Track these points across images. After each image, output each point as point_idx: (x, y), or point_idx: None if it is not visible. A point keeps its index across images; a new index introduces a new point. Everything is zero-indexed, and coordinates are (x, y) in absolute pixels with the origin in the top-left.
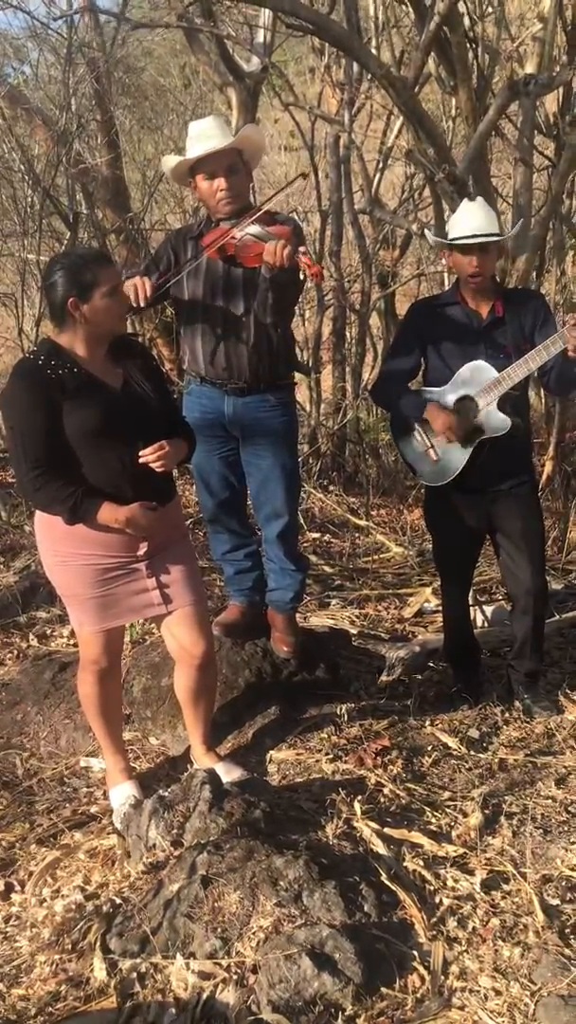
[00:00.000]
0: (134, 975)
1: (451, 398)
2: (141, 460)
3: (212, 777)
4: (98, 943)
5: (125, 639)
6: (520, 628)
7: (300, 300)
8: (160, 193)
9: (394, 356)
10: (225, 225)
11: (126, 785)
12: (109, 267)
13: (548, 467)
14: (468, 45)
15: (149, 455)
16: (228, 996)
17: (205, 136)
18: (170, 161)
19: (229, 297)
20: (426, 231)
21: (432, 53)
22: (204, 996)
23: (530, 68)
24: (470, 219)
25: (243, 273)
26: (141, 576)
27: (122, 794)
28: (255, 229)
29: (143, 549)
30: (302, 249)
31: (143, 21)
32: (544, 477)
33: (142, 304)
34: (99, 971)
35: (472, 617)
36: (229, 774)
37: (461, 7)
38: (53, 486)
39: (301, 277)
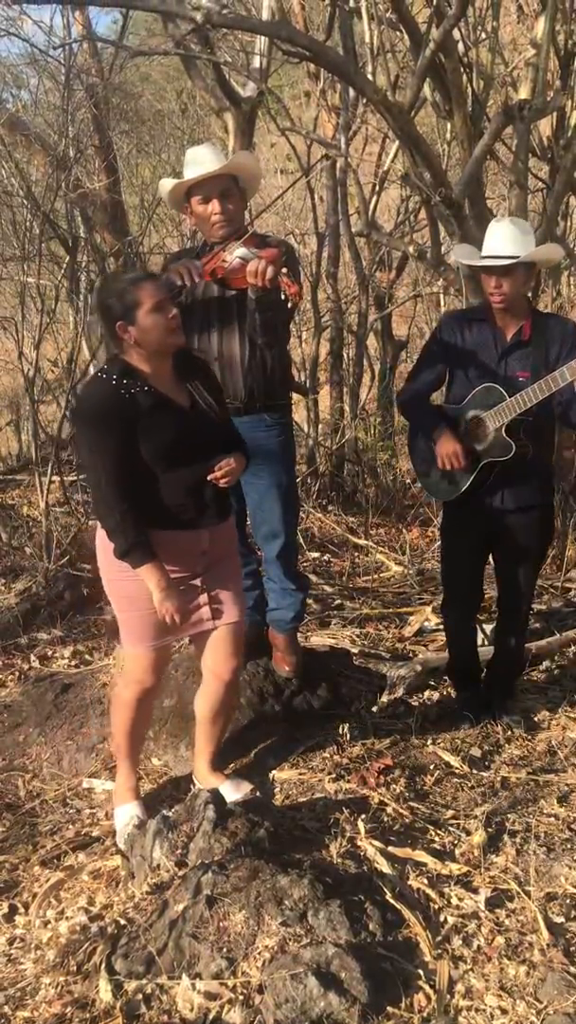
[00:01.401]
0: (139, 996)
1: (466, 416)
2: (211, 478)
3: (216, 797)
4: (103, 964)
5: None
6: (501, 643)
7: (298, 321)
8: (158, 217)
9: (420, 366)
10: (218, 248)
11: (131, 805)
12: (148, 284)
13: None
14: (463, 71)
15: (219, 473)
16: (234, 1016)
17: (200, 161)
18: (167, 184)
19: (224, 319)
20: (455, 248)
21: (427, 78)
22: (210, 1017)
23: (524, 93)
24: (493, 240)
25: (236, 296)
26: (197, 591)
27: (127, 814)
28: (243, 252)
29: (203, 564)
30: (284, 270)
31: (141, 48)
32: None
33: (196, 280)
34: (104, 993)
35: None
36: (238, 789)
37: (456, 34)
38: (130, 520)
39: (284, 298)
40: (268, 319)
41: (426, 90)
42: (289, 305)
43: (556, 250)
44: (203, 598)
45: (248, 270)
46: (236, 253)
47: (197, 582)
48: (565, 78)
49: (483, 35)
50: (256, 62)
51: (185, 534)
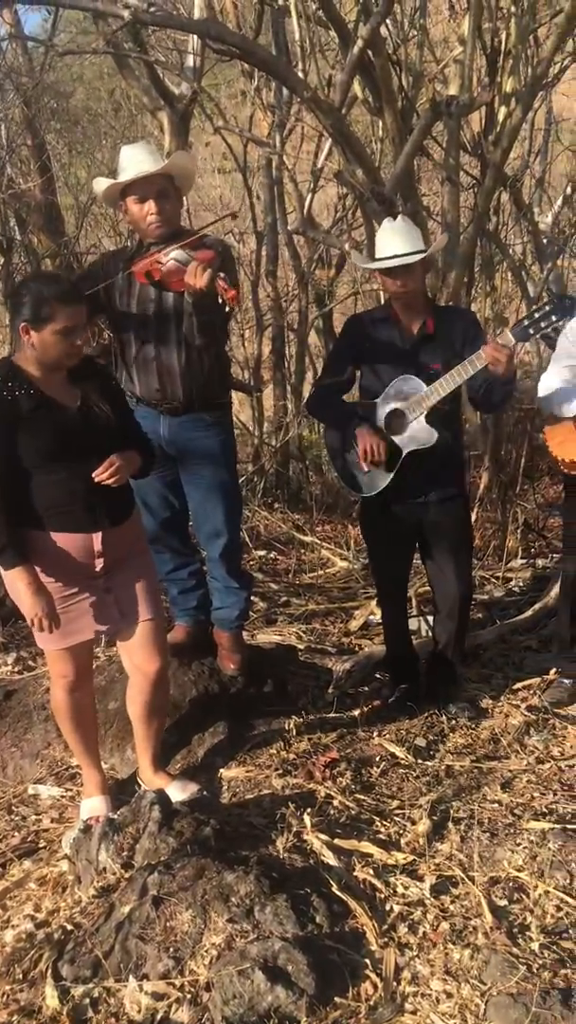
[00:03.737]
0: (87, 1001)
1: (382, 411)
2: (95, 477)
3: (161, 798)
4: (49, 971)
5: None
6: (443, 632)
7: (240, 320)
8: (94, 216)
9: (329, 369)
10: (154, 250)
11: (95, 799)
12: (70, 308)
13: (485, 478)
14: (392, 68)
15: (101, 473)
16: (182, 1015)
17: (136, 161)
18: (101, 184)
19: (161, 320)
20: (353, 254)
21: (358, 76)
22: (158, 1017)
23: (453, 90)
24: (391, 240)
25: (174, 297)
26: (99, 591)
27: (87, 806)
28: (179, 254)
29: (100, 566)
30: (220, 275)
31: (70, 47)
32: (481, 488)
33: None
34: (51, 999)
35: (417, 627)
36: (185, 790)
37: (384, 31)
38: (2, 520)
39: (220, 302)
40: (205, 322)
41: (358, 88)
42: (227, 309)
43: (444, 239)
44: (108, 598)
45: (187, 273)
46: (172, 255)
47: (98, 583)
48: (492, 74)
49: (412, 32)
50: (190, 61)
51: (75, 536)
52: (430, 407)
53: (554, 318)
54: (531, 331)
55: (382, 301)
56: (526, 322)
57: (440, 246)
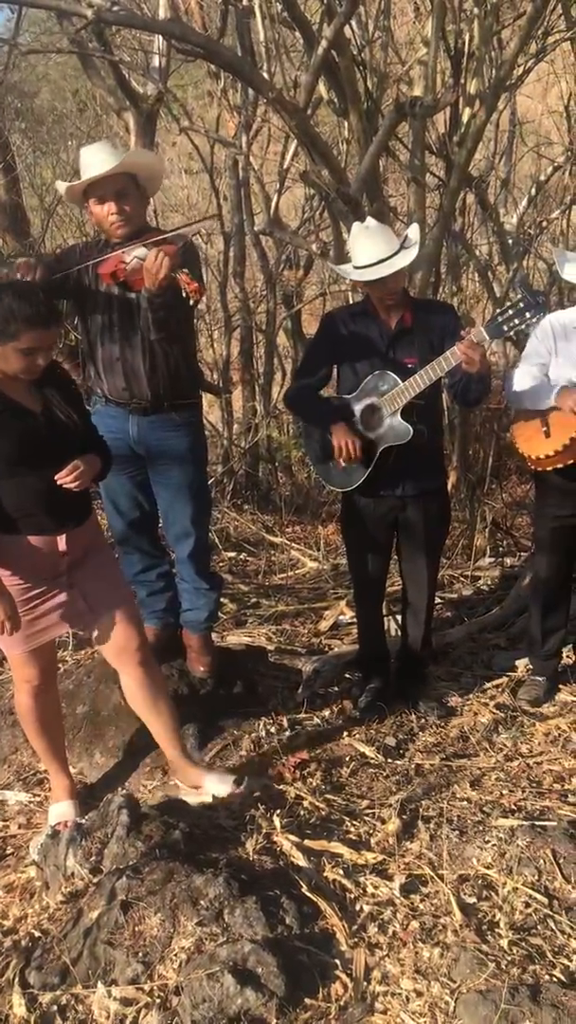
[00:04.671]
0: (55, 1008)
1: (358, 406)
2: (58, 480)
3: (129, 801)
4: (17, 978)
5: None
6: (414, 629)
7: (208, 321)
8: (59, 217)
9: (306, 364)
10: (118, 249)
11: (64, 803)
12: (36, 331)
13: (453, 477)
14: (356, 69)
15: (64, 476)
16: (151, 1020)
17: (96, 161)
18: (62, 186)
19: (126, 320)
20: (338, 268)
21: (322, 77)
22: (127, 1022)
23: (418, 91)
24: (372, 245)
25: (138, 297)
26: (64, 589)
27: (55, 811)
28: (142, 252)
29: (64, 565)
30: (184, 269)
31: (34, 47)
32: (449, 487)
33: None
34: (18, 1007)
35: (387, 627)
36: (223, 782)
37: (349, 32)
38: None
39: (184, 296)
40: (161, 318)
41: (322, 89)
42: (191, 303)
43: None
44: (74, 593)
45: (145, 265)
46: (135, 254)
47: (62, 580)
48: (457, 76)
49: (377, 33)
50: (155, 61)
51: (40, 538)
52: (405, 403)
53: (527, 315)
54: (505, 328)
55: (350, 301)
56: (500, 319)
57: (414, 238)
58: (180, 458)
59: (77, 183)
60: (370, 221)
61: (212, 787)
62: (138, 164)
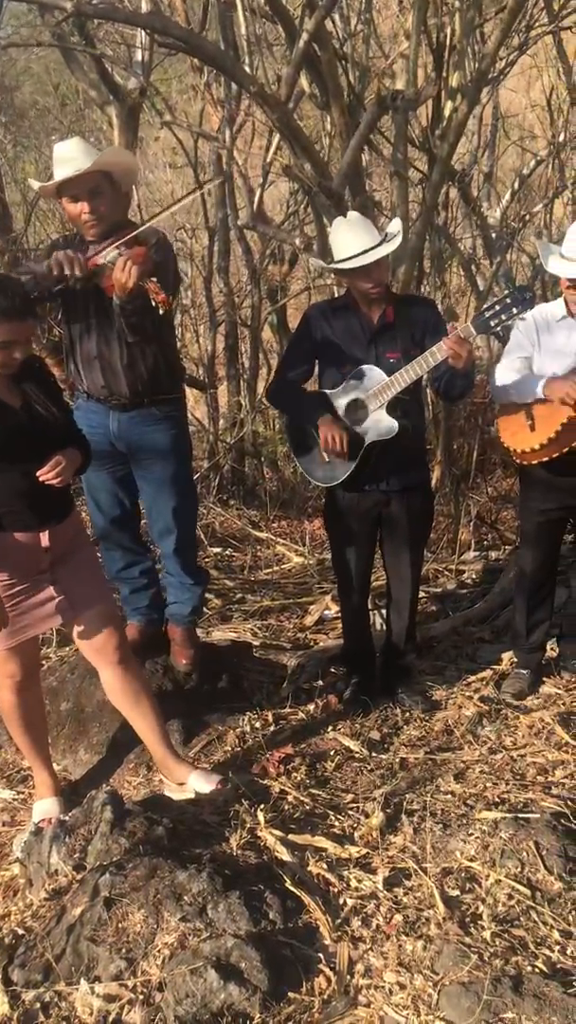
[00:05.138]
0: (38, 1005)
1: (342, 401)
2: (40, 476)
3: (113, 798)
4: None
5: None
6: (398, 623)
7: (194, 316)
8: (42, 212)
9: (288, 359)
10: (92, 251)
11: (47, 801)
12: (10, 324)
13: (437, 471)
14: (338, 62)
15: (47, 472)
16: (134, 1016)
17: (68, 159)
18: (35, 185)
19: (102, 317)
20: (316, 261)
21: (304, 70)
22: (110, 1019)
23: (400, 85)
24: (353, 238)
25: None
26: (46, 586)
27: (40, 808)
28: (114, 256)
29: (47, 561)
30: (152, 278)
31: (15, 40)
32: (434, 481)
33: (78, 272)
34: (1, 1005)
35: (372, 621)
36: (209, 781)
37: (330, 26)
38: None
39: (153, 305)
40: (133, 323)
41: (305, 83)
42: (160, 312)
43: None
44: (55, 590)
45: (113, 275)
46: (108, 257)
47: (44, 577)
48: (439, 69)
49: (359, 27)
50: (138, 55)
51: (24, 535)
52: (390, 398)
53: (515, 311)
54: (492, 323)
55: (336, 295)
56: (487, 314)
57: (396, 230)
58: (162, 453)
59: (49, 184)
60: (351, 214)
61: (197, 784)
62: (111, 163)
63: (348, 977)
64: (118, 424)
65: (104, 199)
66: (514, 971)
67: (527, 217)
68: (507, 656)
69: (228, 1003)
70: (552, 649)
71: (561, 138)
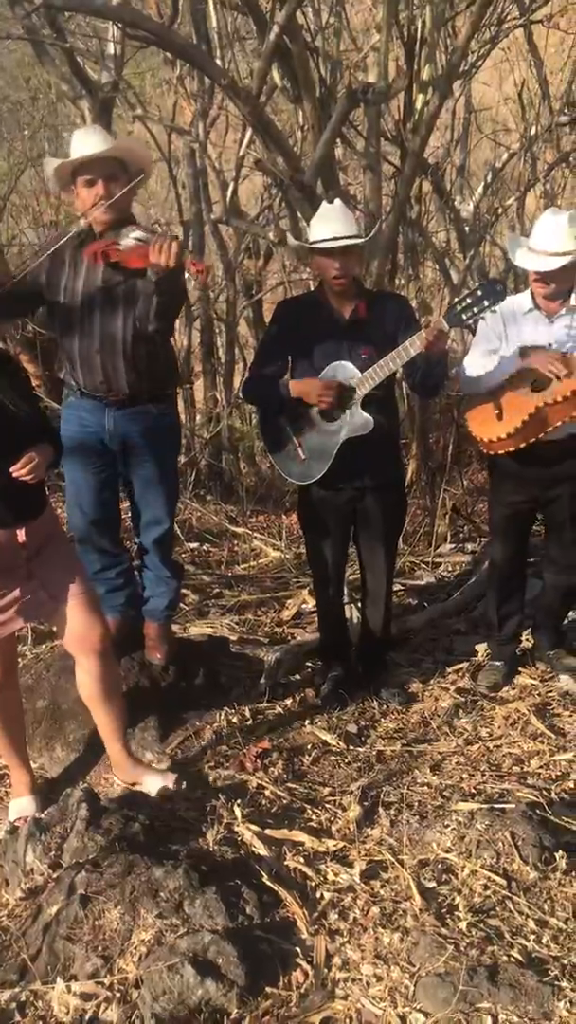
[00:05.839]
0: (13, 1005)
1: None
2: (13, 472)
3: (88, 795)
4: None
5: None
6: (374, 615)
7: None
8: (14, 207)
9: (262, 356)
10: (110, 235)
11: (23, 799)
12: None
13: (413, 465)
14: (309, 55)
15: (19, 469)
16: (111, 1014)
17: (89, 143)
18: (51, 163)
19: (107, 309)
20: (289, 237)
21: (276, 64)
22: (87, 1017)
23: (372, 78)
24: (330, 222)
25: (123, 286)
26: (23, 579)
27: (15, 807)
28: (139, 234)
29: (23, 557)
30: (189, 250)
31: None
32: (410, 474)
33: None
34: None
35: (349, 616)
36: (165, 780)
37: (301, 18)
38: None
39: (186, 277)
40: (164, 303)
41: (276, 76)
42: (193, 284)
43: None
44: (34, 583)
45: (153, 248)
46: (133, 235)
47: (22, 572)
48: (410, 62)
49: (331, 20)
50: (111, 49)
51: (0, 532)
52: (364, 394)
53: (486, 303)
54: (464, 316)
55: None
56: (458, 307)
57: (374, 234)
58: (157, 449)
59: (68, 161)
60: (337, 202)
61: (152, 785)
62: (131, 151)
63: (325, 970)
64: (114, 421)
65: (119, 186)
66: (490, 961)
67: (500, 210)
68: (483, 648)
69: (205, 999)
70: (527, 640)
71: (533, 131)
